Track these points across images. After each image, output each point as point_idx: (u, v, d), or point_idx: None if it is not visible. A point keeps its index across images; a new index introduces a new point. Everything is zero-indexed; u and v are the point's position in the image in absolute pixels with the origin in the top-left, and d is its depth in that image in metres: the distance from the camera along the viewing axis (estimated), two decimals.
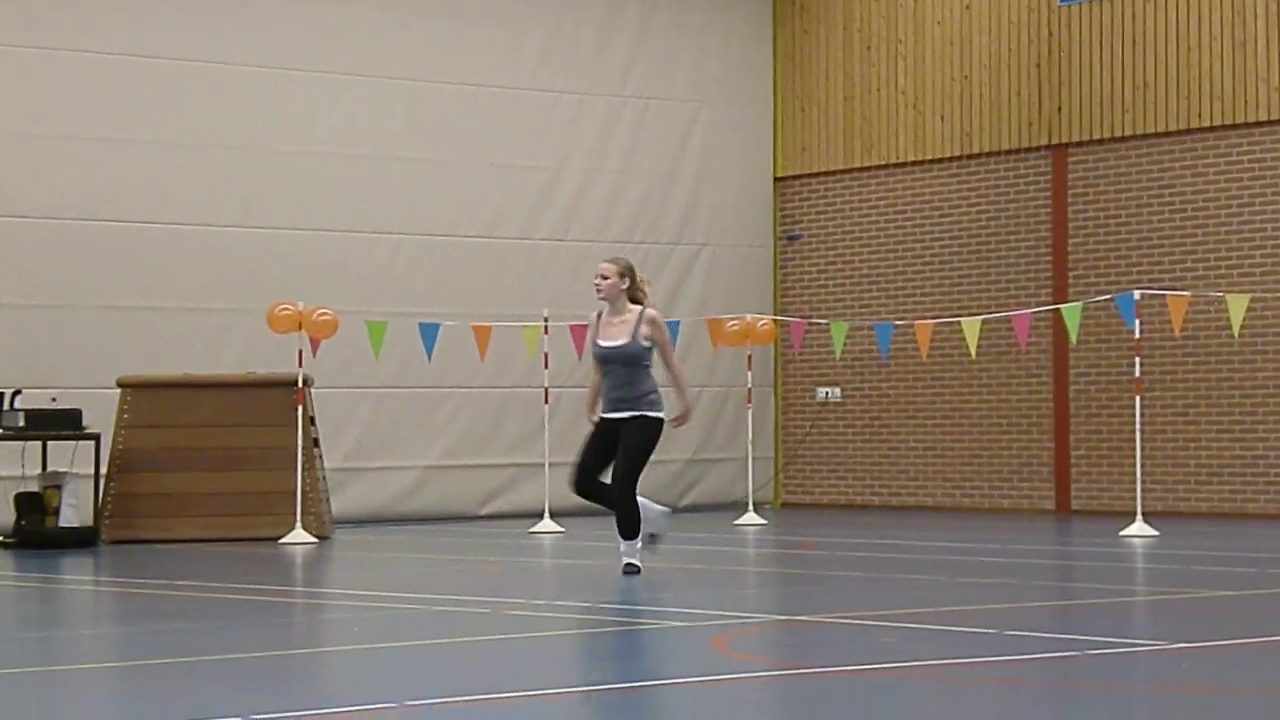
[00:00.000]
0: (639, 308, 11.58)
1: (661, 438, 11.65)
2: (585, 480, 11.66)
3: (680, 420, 11.74)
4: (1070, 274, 18.85)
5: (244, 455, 15.76)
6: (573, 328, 17.61)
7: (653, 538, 11.85)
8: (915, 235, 19.90)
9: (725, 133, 20.51)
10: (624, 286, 11.59)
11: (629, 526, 11.62)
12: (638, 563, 11.65)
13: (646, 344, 11.47)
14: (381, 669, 7.98)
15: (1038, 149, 19.09)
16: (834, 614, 9.72)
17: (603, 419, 11.58)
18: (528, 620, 9.61)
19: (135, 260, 17.30)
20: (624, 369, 11.46)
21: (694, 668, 7.85)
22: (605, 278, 11.63)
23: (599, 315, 11.69)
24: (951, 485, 19.66)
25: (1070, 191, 18.90)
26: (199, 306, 17.51)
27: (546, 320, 17.22)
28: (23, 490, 15.40)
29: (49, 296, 16.92)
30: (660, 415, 11.55)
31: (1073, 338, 17.09)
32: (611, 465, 11.61)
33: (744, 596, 11.52)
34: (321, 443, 16.45)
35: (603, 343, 11.55)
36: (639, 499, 11.62)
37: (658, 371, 11.70)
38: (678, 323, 18.46)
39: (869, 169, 20.25)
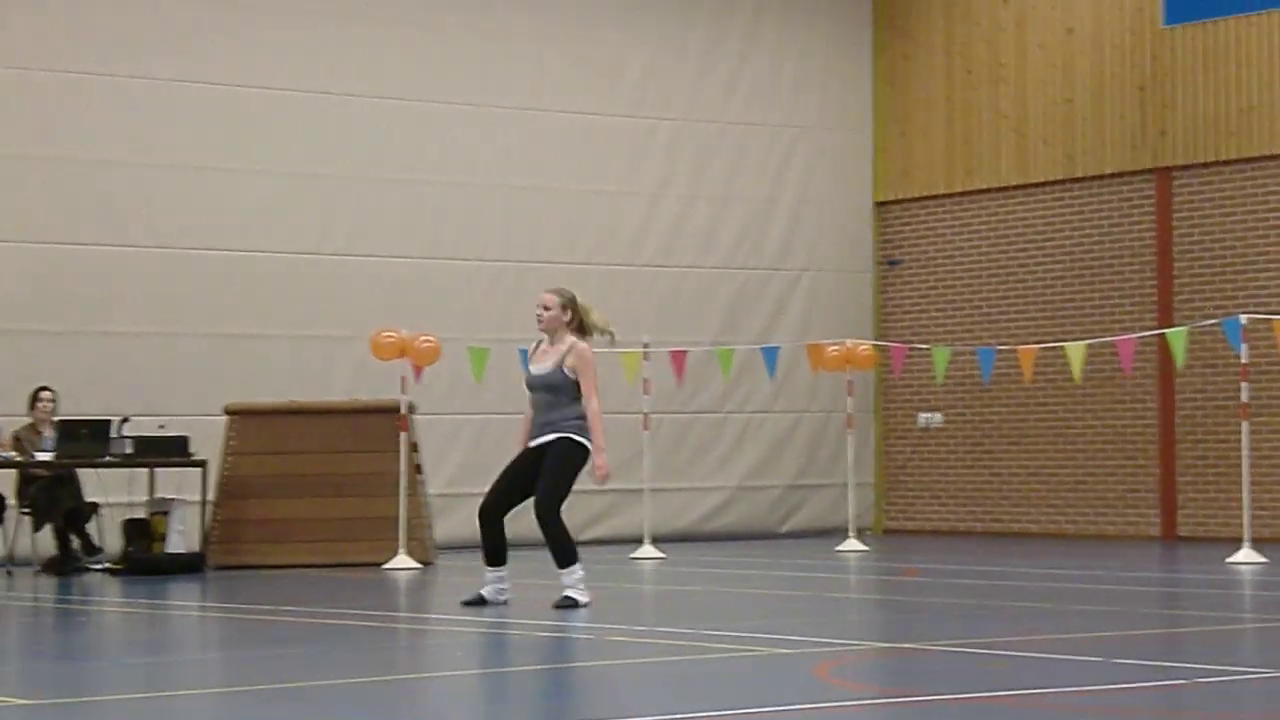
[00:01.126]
0: (571, 340, 11.40)
1: (589, 488, 11.48)
2: (491, 509, 11.45)
3: (599, 471, 11.31)
4: (1175, 298, 18.66)
5: (348, 481, 15.88)
6: (673, 353, 17.64)
7: (481, 600, 11.48)
8: (1018, 260, 19.77)
9: (826, 157, 20.49)
10: (565, 319, 11.43)
11: (562, 555, 11.32)
12: (577, 596, 11.28)
13: (570, 374, 11.31)
14: (484, 694, 8.01)
15: (1141, 173, 18.92)
16: (938, 641, 9.66)
17: (526, 448, 11.44)
18: (630, 646, 9.62)
19: (242, 288, 17.51)
20: (547, 395, 11.34)
21: (797, 695, 7.83)
22: (547, 309, 11.46)
23: (538, 345, 11.60)
24: (1055, 511, 19.49)
25: (1175, 215, 18.72)
26: (304, 334, 17.69)
27: (646, 346, 17.25)
28: (131, 517, 15.60)
29: (157, 324, 17.15)
30: (584, 442, 11.30)
31: (1179, 362, 16.92)
32: (520, 499, 11.44)
33: (846, 623, 11.47)
34: (424, 469, 16.55)
35: (531, 369, 11.48)
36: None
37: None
38: (777, 349, 18.47)
39: (970, 193, 20.15)
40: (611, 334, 11.65)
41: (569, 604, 11.24)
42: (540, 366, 11.43)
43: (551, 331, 11.46)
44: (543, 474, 11.31)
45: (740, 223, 20.00)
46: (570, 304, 11.50)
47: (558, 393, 11.34)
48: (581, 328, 11.49)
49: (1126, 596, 12.63)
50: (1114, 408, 19.09)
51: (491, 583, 11.57)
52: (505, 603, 11.49)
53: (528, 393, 11.54)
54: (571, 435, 11.32)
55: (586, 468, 11.39)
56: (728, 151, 19.95)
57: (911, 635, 10.26)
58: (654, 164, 19.58)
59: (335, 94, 17.95)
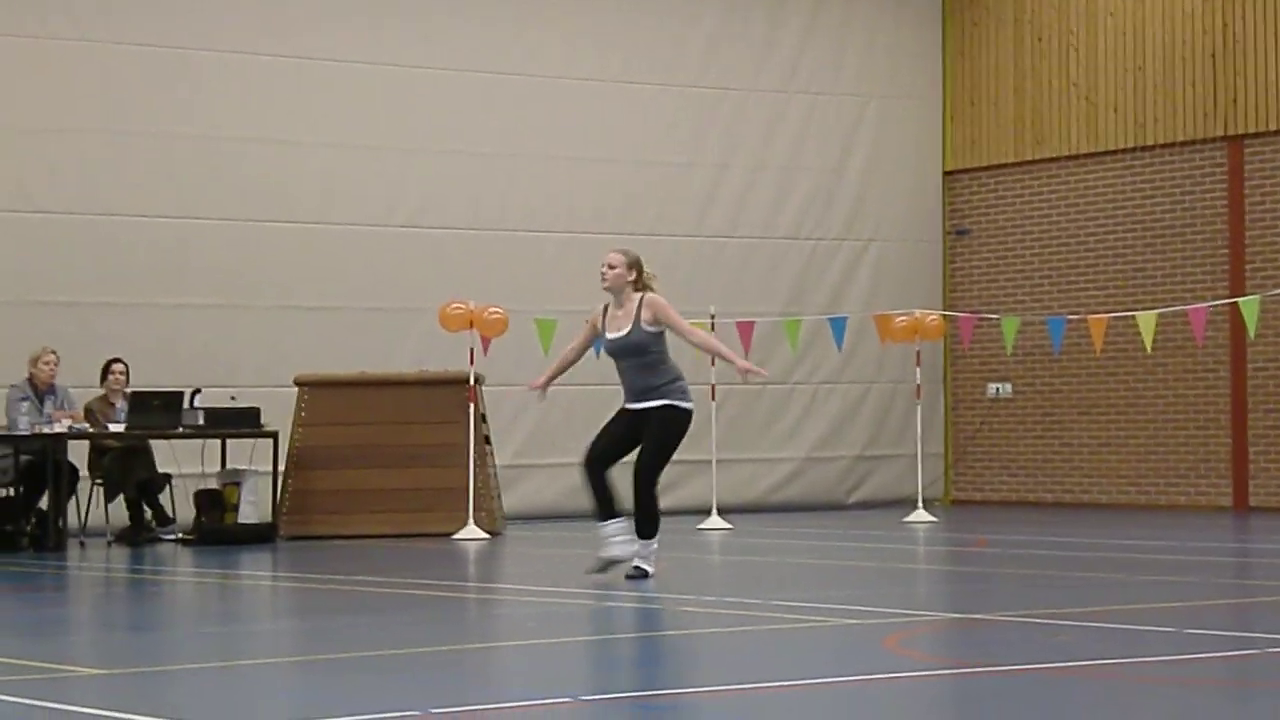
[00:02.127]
0: (639, 295, 11.16)
1: (745, 390, 11.15)
2: (595, 461, 11.20)
3: (747, 370, 11.16)
4: (1247, 266, 18.48)
5: (417, 452, 15.96)
6: (740, 324, 17.61)
7: (612, 563, 11.15)
8: (1088, 229, 19.63)
9: (894, 127, 20.38)
10: (630, 279, 11.18)
11: (649, 525, 11.10)
12: (648, 567, 11.11)
13: (651, 329, 11.08)
14: (555, 664, 8.05)
15: (1213, 140, 18.74)
16: (1007, 612, 9.63)
17: (625, 409, 11.21)
18: (698, 617, 9.63)
19: (311, 260, 17.59)
20: (634, 359, 11.08)
21: (867, 666, 7.82)
22: (612, 267, 11.20)
23: (605, 308, 11.32)
24: (1126, 482, 19.37)
25: (1246, 184, 18.53)
26: (373, 306, 17.77)
27: (713, 317, 17.23)
28: (203, 488, 15.73)
29: (228, 297, 17.27)
30: (689, 406, 11.10)
31: (1250, 331, 16.76)
32: (623, 454, 11.19)
33: (916, 594, 11.45)
34: (493, 440, 16.61)
35: (609, 335, 11.19)
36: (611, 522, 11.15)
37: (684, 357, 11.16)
38: (845, 319, 18.41)
39: (1040, 162, 20.01)
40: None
41: (640, 574, 11.14)
42: (618, 331, 11.19)
43: (616, 290, 11.21)
44: (649, 440, 11.07)
45: (807, 193, 19.93)
46: (636, 264, 11.27)
47: (644, 354, 11.10)
48: (643, 289, 11.27)
49: (1197, 567, 12.55)
50: (1185, 377, 18.94)
51: (614, 537, 11.15)
52: (641, 571, 11.12)
53: (613, 361, 11.26)
54: (675, 402, 11.08)
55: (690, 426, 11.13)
56: (794, 121, 19.88)
57: (981, 606, 10.23)
58: (720, 134, 19.53)
59: (403, 66, 18.00)
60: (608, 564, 11.22)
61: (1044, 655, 8.03)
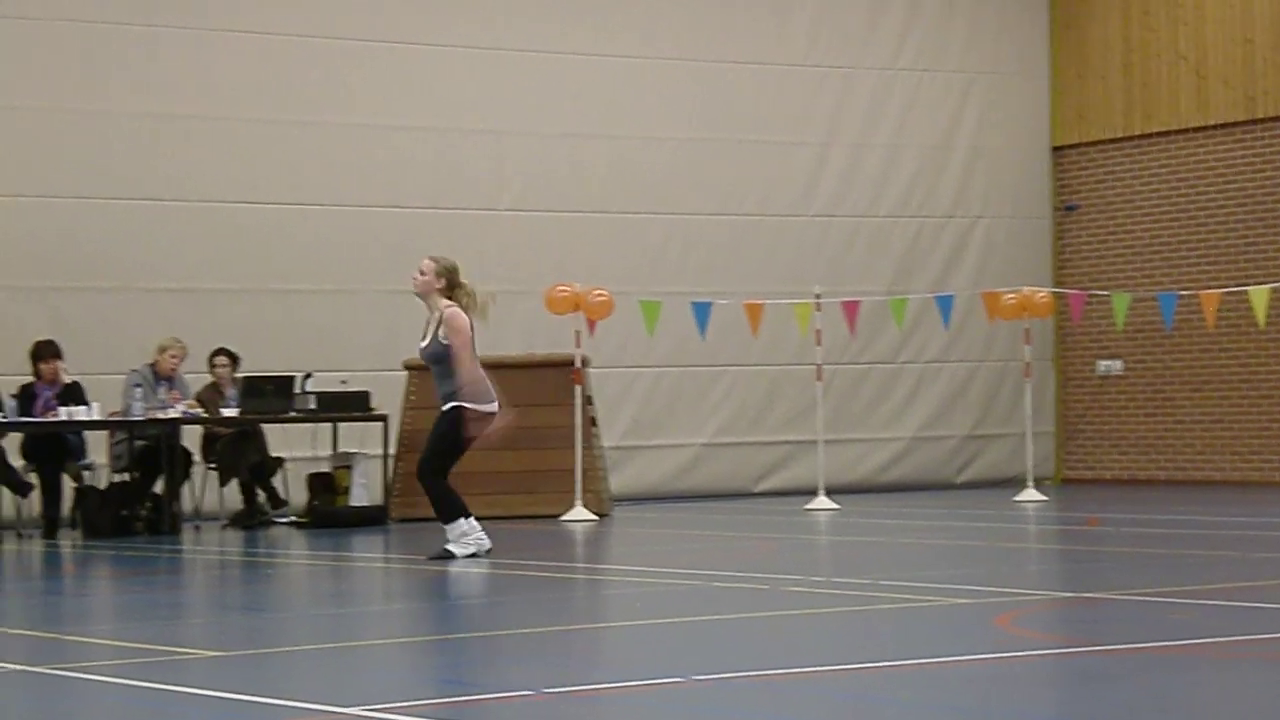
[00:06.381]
0: (444, 307, 11.44)
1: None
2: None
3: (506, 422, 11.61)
4: None
5: (525, 435, 15.95)
6: (845, 304, 17.53)
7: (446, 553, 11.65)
8: (1199, 203, 19.38)
9: (1001, 103, 20.21)
10: (438, 286, 11.48)
11: (440, 512, 11.69)
12: (454, 549, 11.60)
13: (445, 341, 11.41)
14: (666, 644, 8.06)
15: None
16: (1120, 590, 9.55)
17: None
18: (808, 597, 9.62)
19: (420, 244, 17.59)
20: (436, 368, 11.54)
21: (979, 645, 7.78)
22: (421, 274, 11.56)
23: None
24: (1239, 459, 19.12)
25: None
26: (480, 289, 17.79)
27: (819, 297, 17.17)
28: (315, 471, 15.88)
29: (338, 281, 17.40)
30: (476, 407, 11.47)
31: None
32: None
33: (1027, 573, 11.37)
34: (599, 421, 16.65)
35: (420, 344, 11.69)
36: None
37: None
38: (952, 297, 18.27)
39: (1149, 136, 19.77)
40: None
41: (445, 555, 11.61)
42: (423, 341, 11.63)
43: (424, 297, 11.60)
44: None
45: (913, 170, 19.81)
46: (446, 273, 11.58)
47: (440, 363, 11.52)
48: (451, 300, 11.52)
49: None
50: None
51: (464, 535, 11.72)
52: (447, 553, 11.59)
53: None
54: (464, 404, 11.52)
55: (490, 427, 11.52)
56: (899, 99, 19.75)
57: (1093, 584, 10.14)
58: (824, 113, 19.44)
59: (508, 50, 18.05)
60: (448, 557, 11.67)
61: (1157, 633, 7.95)
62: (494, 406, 11.58)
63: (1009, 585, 9.95)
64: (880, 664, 7.28)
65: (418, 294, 11.68)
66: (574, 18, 18.40)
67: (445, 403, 11.59)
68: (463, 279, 11.69)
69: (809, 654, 7.66)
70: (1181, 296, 17.99)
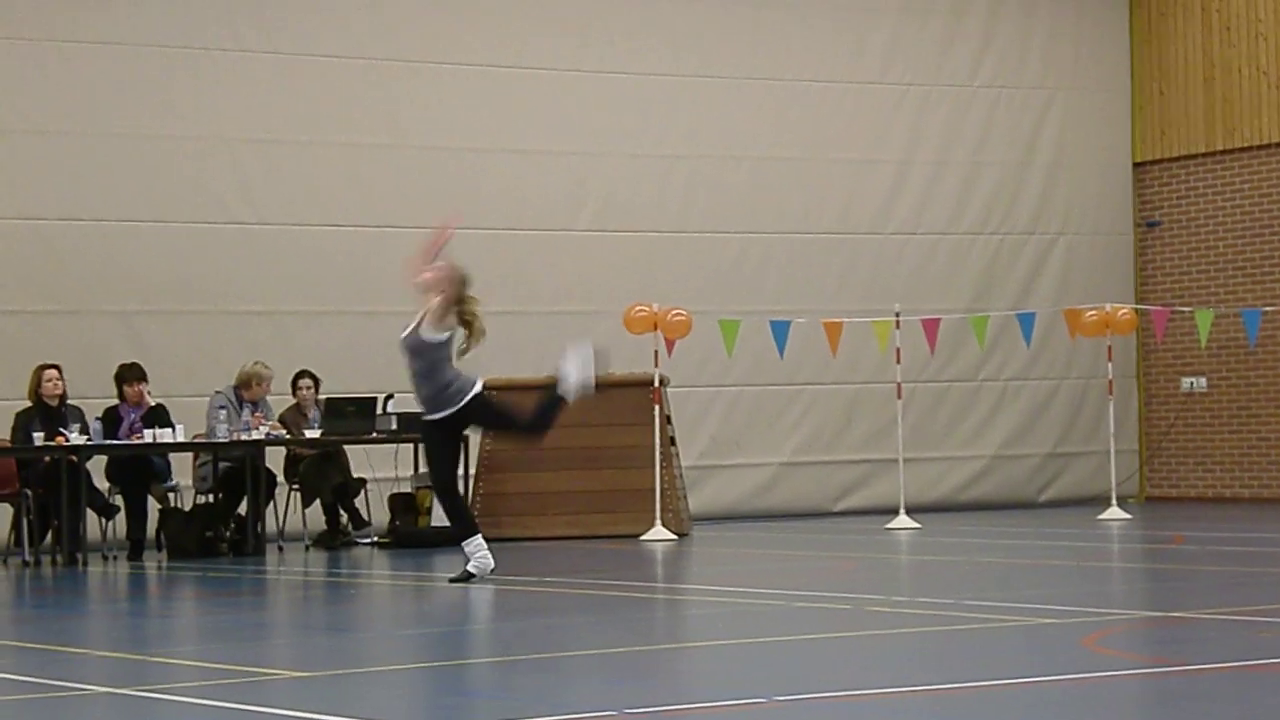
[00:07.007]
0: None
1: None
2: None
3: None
4: None
5: (604, 454, 16.04)
6: (924, 322, 17.46)
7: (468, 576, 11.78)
8: None
9: (1080, 119, 20.08)
10: (444, 289, 11.96)
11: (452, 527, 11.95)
12: (471, 570, 11.76)
13: (426, 339, 11.97)
14: (748, 664, 8.04)
15: None
16: (1207, 610, 9.45)
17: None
18: (890, 617, 9.57)
19: (498, 265, 17.72)
20: (410, 366, 12.03)
21: (1066, 666, 7.71)
22: (433, 272, 11.99)
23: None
24: None
25: None
26: (559, 309, 17.88)
27: (898, 315, 17.11)
28: (397, 491, 15.96)
29: (417, 304, 17.43)
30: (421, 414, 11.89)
31: None
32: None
33: (1112, 593, 11.27)
34: (678, 441, 16.64)
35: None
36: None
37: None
38: (1033, 315, 18.15)
39: (1231, 151, 19.60)
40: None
41: (463, 578, 11.78)
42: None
43: (425, 293, 12.02)
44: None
45: (992, 187, 19.71)
46: (457, 280, 12.06)
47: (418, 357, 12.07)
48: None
49: None
50: None
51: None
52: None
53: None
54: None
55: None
56: (978, 115, 19.67)
57: (1180, 604, 10.05)
58: (902, 130, 19.38)
59: (585, 71, 18.10)
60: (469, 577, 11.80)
61: (1245, 653, 7.86)
62: (448, 411, 11.96)
63: (1095, 605, 9.86)
64: (965, 685, 7.23)
65: (421, 288, 11.81)
66: (653, 38, 18.42)
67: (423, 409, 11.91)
68: (470, 293, 12.05)
69: (892, 674, 7.62)
70: (1265, 312, 17.81)
